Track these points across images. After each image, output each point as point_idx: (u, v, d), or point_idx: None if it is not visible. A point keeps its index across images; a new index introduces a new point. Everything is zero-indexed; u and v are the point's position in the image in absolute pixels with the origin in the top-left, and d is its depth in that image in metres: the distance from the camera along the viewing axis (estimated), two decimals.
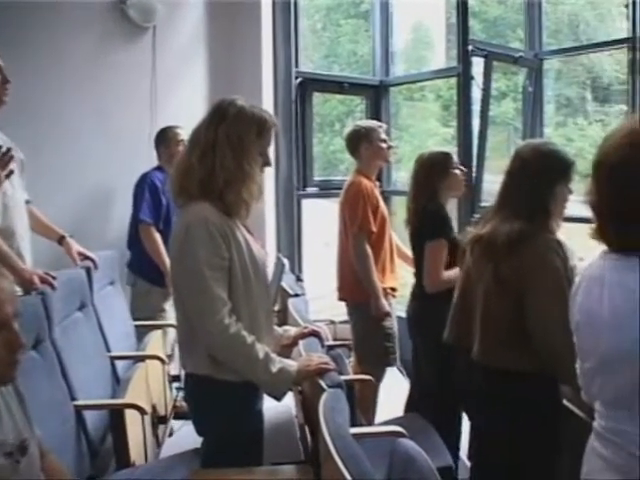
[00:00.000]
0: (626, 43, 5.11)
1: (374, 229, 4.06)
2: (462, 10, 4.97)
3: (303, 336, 2.78)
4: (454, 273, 3.17)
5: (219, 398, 2.31)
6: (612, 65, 6.42)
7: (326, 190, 5.82)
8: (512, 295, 2.32)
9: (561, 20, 7.14)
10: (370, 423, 3.93)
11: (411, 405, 3.96)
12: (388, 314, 4.06)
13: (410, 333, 3.87)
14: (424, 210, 3.69)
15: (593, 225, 1.71)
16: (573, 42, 7.03)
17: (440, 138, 6.88)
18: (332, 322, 4.68)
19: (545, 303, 2.24)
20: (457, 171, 3.81)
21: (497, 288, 2.36)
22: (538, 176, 2.40)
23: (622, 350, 1.59)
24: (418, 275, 3.77)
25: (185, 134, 4.08)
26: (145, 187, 4.46)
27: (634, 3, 5.08)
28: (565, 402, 2.36)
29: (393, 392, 4.39)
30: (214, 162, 2.27)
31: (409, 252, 4.00)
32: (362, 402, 3.80)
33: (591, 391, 1.76)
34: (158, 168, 4.63)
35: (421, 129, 7.16)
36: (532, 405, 2.32)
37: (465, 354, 2.53)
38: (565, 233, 4.70)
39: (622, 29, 5.65)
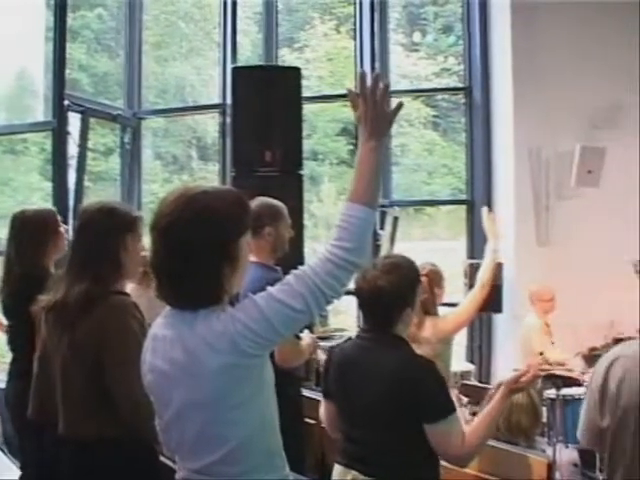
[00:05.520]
0: (218, 108, 5.60)
1: None
2: (59, 62, 4.87)
3: None
4: None
5: None
6: (214, 126, 6.81)
7: None
8: (90, 360, 2.24)
9: (169, 81, 7.41)
10: None
11: None
12: None
13: (11, 415, 3.48)
14: (28, 276, 3.28)
15: (154, 284, 1.74)
16: (180, 103, 7.34)
17: (44, 193, 6.59)
18: None
19: (125, 366, 2.20)
20: (62, 229, 3.50)
21: (74, 355, 2.26)
22: (103, 230, 2.34)
23: (191, 401, 1.66)
24: (16, 350, 3.42)
25: None
26: None
27: (224, 71, 5.56)
28: (162, 458, 2.35)
29: None
30: None
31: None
32: None
33: (170, 445, 1.80)
34: None
35: (23, 183, 6.79)
36: (129, 470, 2.25)
37: (52, 430, 2.38)
38: None
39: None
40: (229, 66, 5.51)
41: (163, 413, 1.76)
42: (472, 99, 6.23)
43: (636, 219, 5.27)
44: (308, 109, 6.37)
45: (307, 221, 6.20)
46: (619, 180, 5.38)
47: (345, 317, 6.10)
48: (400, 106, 1.72)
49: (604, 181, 5.39)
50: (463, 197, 6.45)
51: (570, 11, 5.50)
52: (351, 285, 2.18)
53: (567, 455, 3.20)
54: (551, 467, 2.84)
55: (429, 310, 3.65)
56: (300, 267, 1.66)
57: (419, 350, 3.53)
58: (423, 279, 3.68)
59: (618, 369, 2.15)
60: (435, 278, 3.75)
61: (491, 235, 3.89)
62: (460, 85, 6.57)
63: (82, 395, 2.28)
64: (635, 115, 5.48)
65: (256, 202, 2.91)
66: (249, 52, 7.33)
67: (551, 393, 3.99)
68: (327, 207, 7.05)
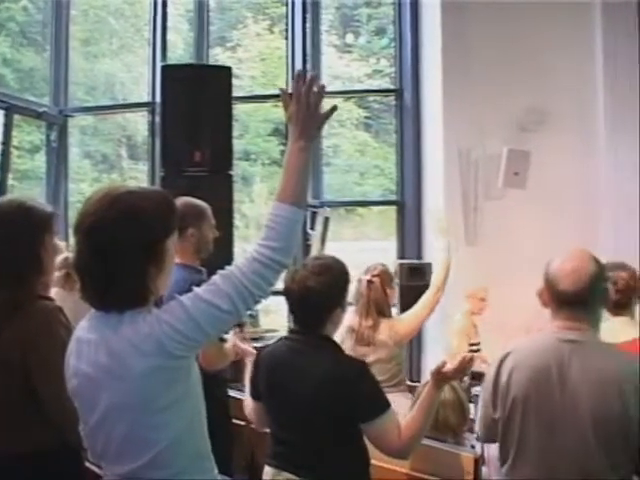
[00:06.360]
0: (147, 106, 5.51)
1: None
2: None
3: None
4: None
5: None
6: (144, 125, 6.70)
7: None
8: (15, 369, 2.13)
9: (98, 78, 7.25)
10: None
11: None
12: None
13: None
14: None
15: (78, 286, 1.70)
16: (109, 100, 7.19)
17: None
18: None
19: (54, 368, 2.11)
20: None
21: None
22: (23, 230, 2.20)
23: (117, 404, 1.62)
24: None
25: None
26: None
27: (154, 69, 5.47)
28: (88, 464, 2.28)
29: None
30: None
31: None
32: None
33: (96, 450, 1.75)
34: None
35: None
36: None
37: None
38: None
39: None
40: (159, 64, 5.43)
41: (88, 418, 1.72)
42: (403, 101, 6.32)
43: (562, 220, 5.43)
44: (240, 109, 6.35)
45: (238, 221, 6.16)
46: (545, 182, 5.52)
47: (276, 317, 6.07)
48: (334, 109, 1.74)
49: (530, 183, 5.52)
50: (393, 198, 6.52)
51: (500, 13, 5.60)
52: (281, 285, 2.18)
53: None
54: (478, 462, 2.88)
55: (384, 311, 3.64)
56: (227, 267, 1.65)
57: (375, 353, 3.56)
58: (375, 279, 3.70)
59: (509, 363, 2.23)
60: (386, 278, 3.74)
61: (440, 234, 3.91)
62: (391, 87, 6.65)
63: (5, 408, 2.18)
64: (562, 118, 5.63)
65: (179, 202, 2.86)
66: (181, 50, 7.23)
67: (479, 390, 4.06)
68: (258, 207, 7.01)
